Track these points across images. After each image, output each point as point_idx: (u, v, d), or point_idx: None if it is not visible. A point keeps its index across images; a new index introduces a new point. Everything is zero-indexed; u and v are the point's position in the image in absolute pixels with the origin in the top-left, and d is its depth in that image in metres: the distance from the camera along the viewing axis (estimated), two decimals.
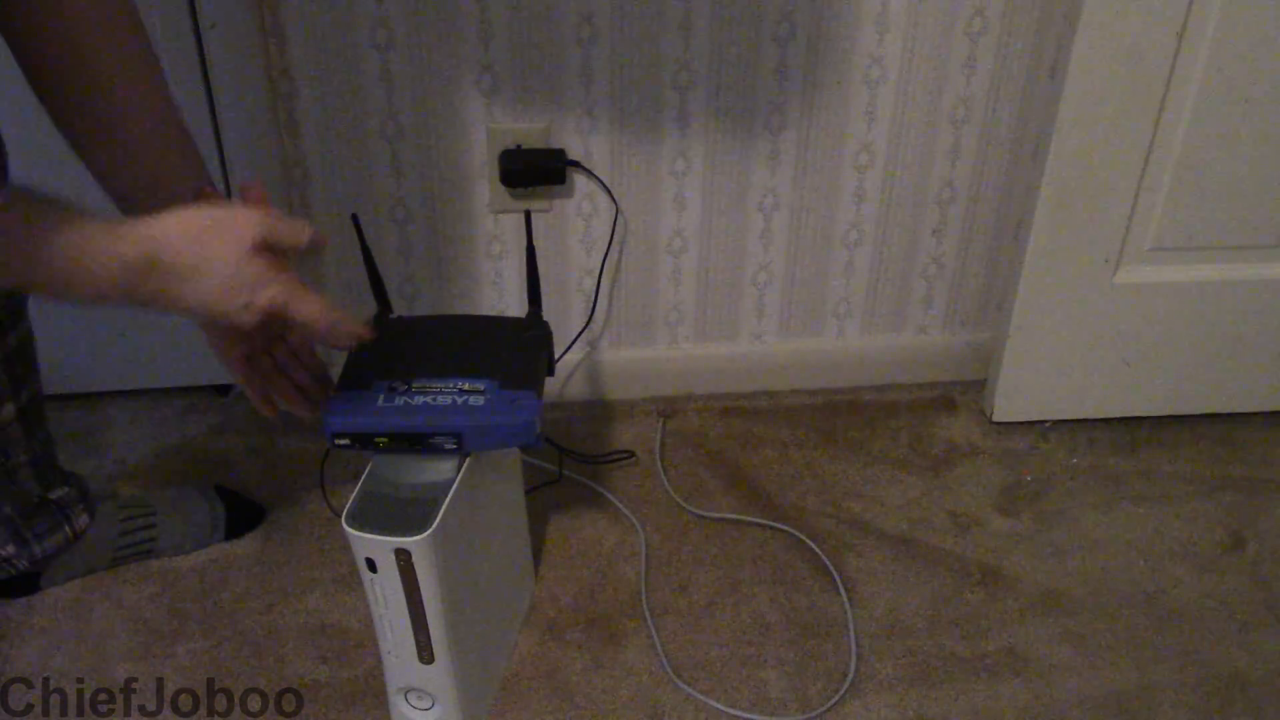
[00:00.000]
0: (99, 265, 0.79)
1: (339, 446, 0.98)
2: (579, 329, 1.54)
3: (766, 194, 1.46)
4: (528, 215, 1.15)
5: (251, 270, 0.83)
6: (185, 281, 0.81)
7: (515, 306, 1.51)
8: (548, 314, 1.51)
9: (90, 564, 1.26)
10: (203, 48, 1.28)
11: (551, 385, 1.52)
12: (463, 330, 1.14)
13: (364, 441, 0.98)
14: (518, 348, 1.08)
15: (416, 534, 0.93)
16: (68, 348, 1.49)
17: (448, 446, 0.98)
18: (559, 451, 1.46)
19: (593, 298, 1.51)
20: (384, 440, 0.98)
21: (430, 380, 1.01)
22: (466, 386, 1.01)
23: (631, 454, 1.48)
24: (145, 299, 0.81)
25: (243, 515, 1.35)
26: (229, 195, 1.39)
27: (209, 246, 0.82)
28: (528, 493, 1.37)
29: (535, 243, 1.45)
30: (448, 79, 1.33)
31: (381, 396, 0.99)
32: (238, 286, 0.83)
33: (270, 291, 0.84)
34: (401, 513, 0.95)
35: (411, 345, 1.08)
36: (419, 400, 0.99)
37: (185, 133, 0.95)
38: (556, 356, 1.52)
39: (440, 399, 0.99)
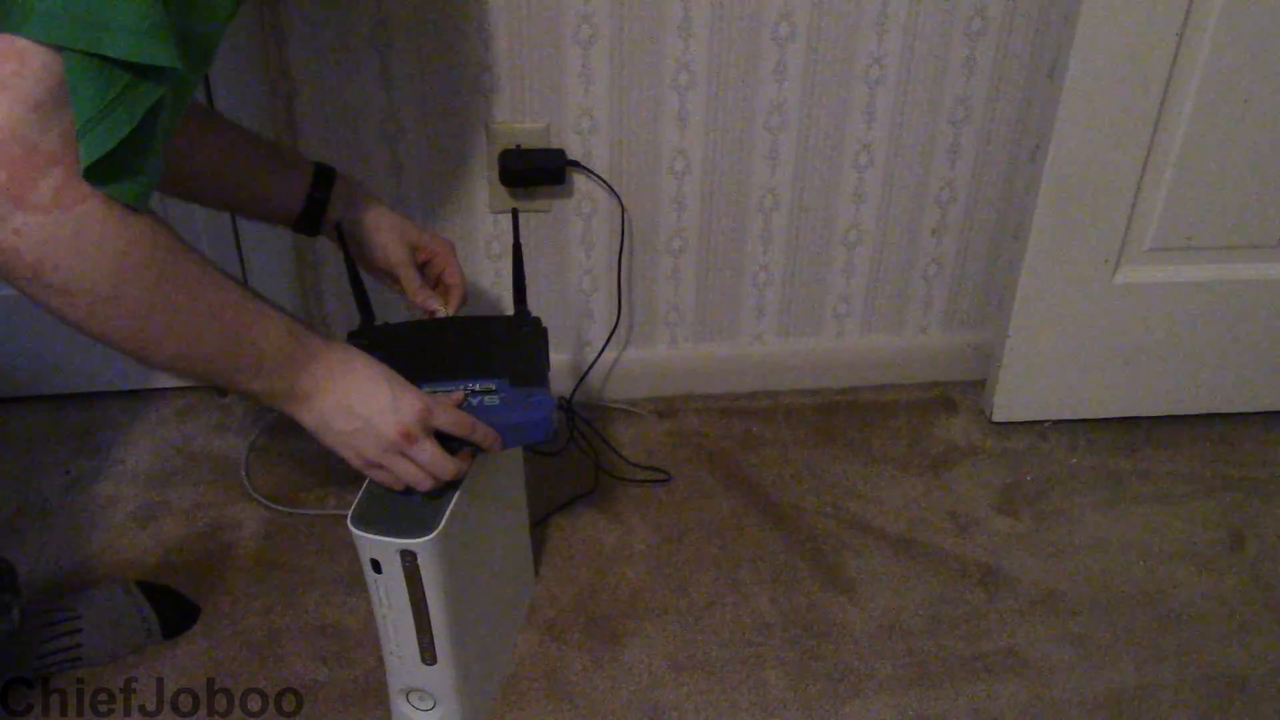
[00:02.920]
0: (260, 342, 0.86)
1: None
2: (587, 329, 1.54)
3: (766, 193, 1.46)
4: (514, 213, 1.15)
5: (384, 453, 0.93)
6: (321, 427, 0.93)
7: None
8: (547, 314, 1.52)
9: (9, 672, 1.13)
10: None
11: (555, 386, 1.52)
12: (455, 332, 1.13)
13: None
14: (518, 345, 1.08)
15: (422, 535, 0.93)
16: (68, 348, 1.49)
17: (466, 448, 0.98)
18: (595, 468, 1.46)
19: (616, 296, 1.51)
20: None
21: (439, 384, 1.01)
22: (478, 387, 1.01)
23: (668, 476, 1.47)
24: (273, 399, 0.90)
25: (176, 613, 1.22)
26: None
27: (353, 418, 0.92)
28: (562, 507, 1.39)
29: (535, 243, 1.46)
30: (448, 79, 1.33)
31: None
32: (366, 459, 0.94)
33: (399, 472, 0.95)
34: (407, 514, 0.95)
35: (410, 351, 1.07)
36: None
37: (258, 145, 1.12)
38: (592, 360, 1.53)
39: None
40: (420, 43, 1.30)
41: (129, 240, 0.74)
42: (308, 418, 0.92)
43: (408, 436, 0.92)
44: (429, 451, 0.94)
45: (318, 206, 1.11)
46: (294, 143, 1.35)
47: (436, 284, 1.17)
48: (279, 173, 1.10)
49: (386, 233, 1.13)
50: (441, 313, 1.14)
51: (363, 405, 0.91)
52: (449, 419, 0.95)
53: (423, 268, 1.16)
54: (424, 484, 0.95)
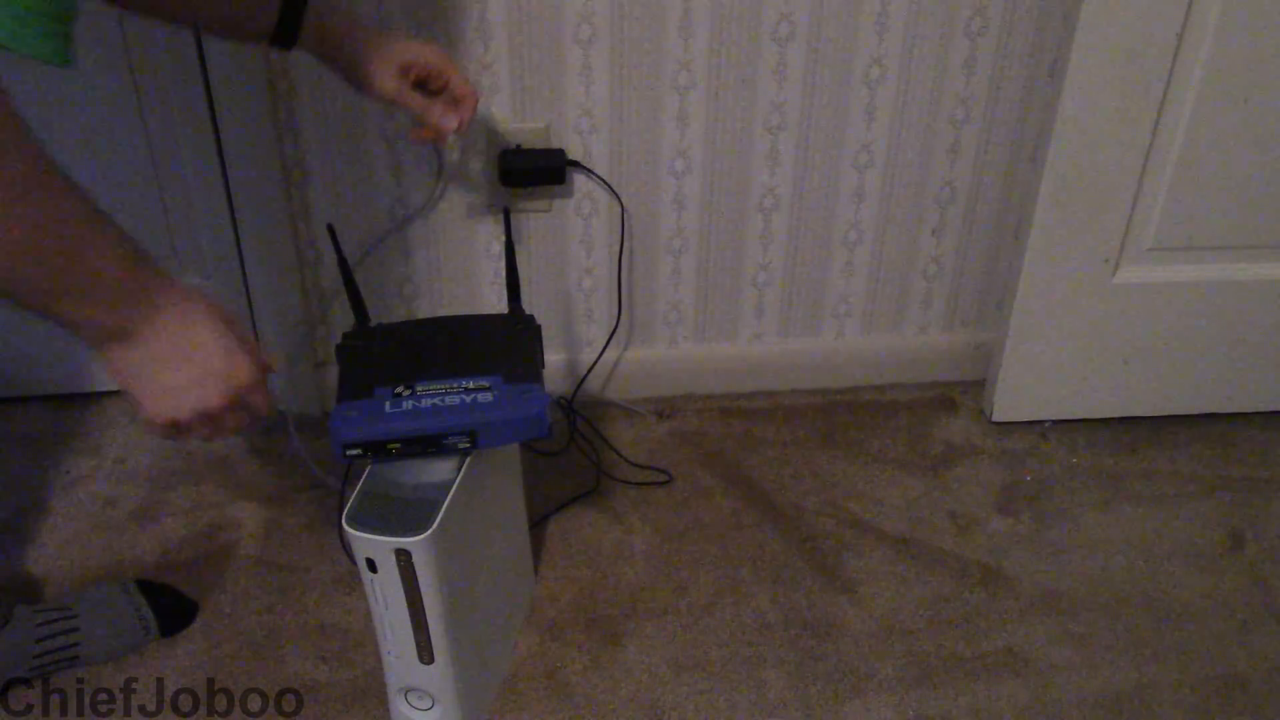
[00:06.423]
0: (94, 263, 0.74)
1: (351, 458, 0.97)
2: (587, 329, 1.54)
3: (766, 194, 1.46)
4: (506, 212, 1.15)
5: (197, 416, 0.82)
6: (134, 373, 0.80)
7: None
8: (548, 314, 1.52)
9: (7, 673, 1.12)
10: (202, 49, 1.28)
11: (556, 386, 1.52)
12: (449, 330, 1.13)
13: (376, 450, 0.97)
14: (512, 342, 1.08)
15: (417, 534, 0.93)
16: (67, 348, 1.50)
17: (461, 445, 0.98)
18: (595, 468, 1.46)
19: (616, 296, 1.51)
20: (397, 446, 0.97)
21: (433, 382, 1.01)
22: (472, 385, 1.01)
23: (668, 476, 1.46)
24: (89, 332, 0.77)
25: (174, 611, 1.22)
26: (231, 208, 1.39)
27: (185, 370, 0.80)
28: (562, 507, 1.39)
29: (535, 243, 1.46)
30: None
31: (388, 403, 0.99)
32: (173, 418, 0.81)
33: (198, 433, 0.84)
34: (402, 513, 0.95)
35: (403, 350, 1.08)
36: (427, 403, 0.98)
37: None
38: (592, 360, 1.53)
39: (449, 399, 0.99)
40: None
41: None
42: (121, 361, 0.79)
43: (229, 407, 0.83)
44: (237, 419, 0.85)
45: (290, 31, 1.02)
46: (294, 143, 1.36)
47: (440, 96, 1.10)
48: None
49: (374, 62, 1.05)
50: (454, 129, 1.09)
51: (193, 362, 0.80)
52: (261, 400, 0.86)
53: (422, 86, 1.09)
54: (203, 441, 0.86)
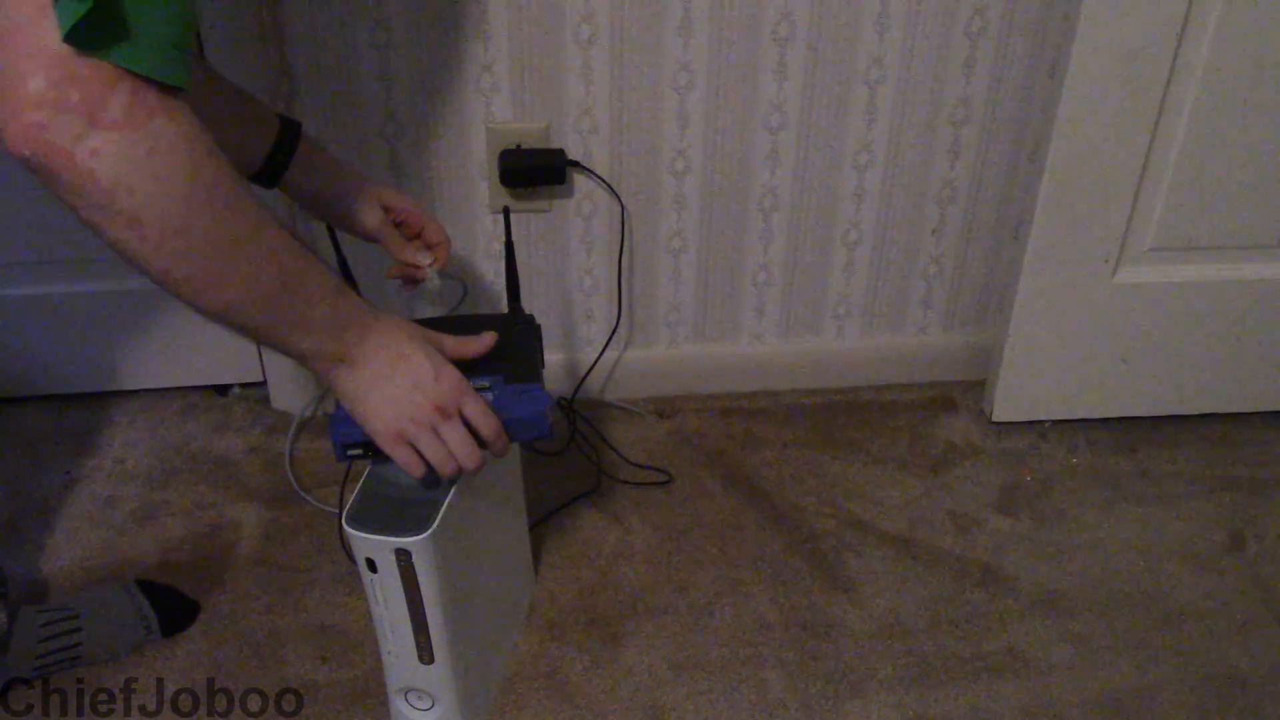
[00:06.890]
0: (311, 299, 0.83)
1: (351, 458, 0.97)
2: (587, 329, 1.54)
3: (766, 194, 1.46)
4: (506, 211, 1.15)
5: (417, 425, 0.91)
6: (358, 393, 0.90)
7: None
8: (548, 314, 1.52)
9: (10, 673, 1.12)
10: (203, 48, 1.28)
11: (556, 386, 1.52)
12: (449, 330, 1.13)
13: (377, 450, 0.97)
14: (512, 342, 1.08)
15: (417, 534, 0.93)
16: (68, 348, 1.50)
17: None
18: (595, 468, 1.46)
19: (616, 295, 1.51)
20: None
21: None
22: (472, 385, 1.00)
23: (668, 476, 1.46)
24: (313, 356, 0.86)
25: (175, 611, 1.22)
26: None
27: (396, 382, 0.90)
28: (562, 507, 1.39)
29: (535, 243, 1.46)
30: (448, 79, 1.33)
31: None
32: (398, 428, 0.91)
33: (430, 449, 0.92)
34: (402, 513, 0.95)
35: None
36: None
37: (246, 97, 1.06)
38: (592, 360, 1.53)
39: None
40: (420, 43, 1.30)
41: (198, 162, 0.72)
42: (347, 383, 0.89)
43: (443, 411, 0.91)
44: (459, 433, 0.92)
45: (277, 168, 1.07)
46: None
47: (417, 239, 1.16)
48: (245, 125, 1.05)
49: (357, 202, 1.11)
50: (428, 264, 1.14)
51: (405, 374, 0.90)
52: (477, 407, 0.93)
53: (399, 227, 1.15)
54: (447, 465, 0.92)
